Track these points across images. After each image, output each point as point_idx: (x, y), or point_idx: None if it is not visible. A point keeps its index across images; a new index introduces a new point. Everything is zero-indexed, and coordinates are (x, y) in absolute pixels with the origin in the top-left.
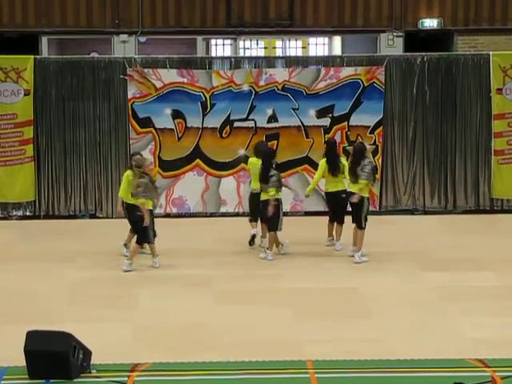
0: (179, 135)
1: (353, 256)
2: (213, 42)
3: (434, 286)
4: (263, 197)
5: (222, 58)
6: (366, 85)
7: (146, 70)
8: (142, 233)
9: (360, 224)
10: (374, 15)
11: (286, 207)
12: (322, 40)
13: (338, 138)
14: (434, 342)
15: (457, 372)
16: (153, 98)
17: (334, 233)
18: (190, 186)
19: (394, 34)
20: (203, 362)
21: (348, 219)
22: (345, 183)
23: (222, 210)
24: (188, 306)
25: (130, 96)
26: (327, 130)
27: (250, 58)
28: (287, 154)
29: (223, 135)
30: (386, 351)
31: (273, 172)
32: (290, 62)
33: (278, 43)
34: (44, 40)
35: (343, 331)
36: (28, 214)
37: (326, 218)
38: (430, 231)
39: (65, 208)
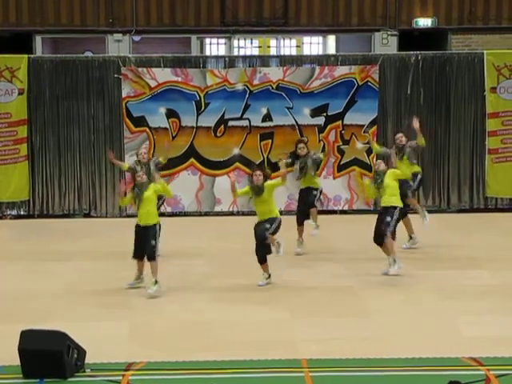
0: (173, 134)
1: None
2: (207, 40)
3: (429, 285)
4: None
5: (217, 57)
6: (360, 83)
7: (140, 69)
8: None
9: None
10: (368, 14)
11: (280, 206)
12: (317, 39)
13: (332, 137)
14: (429, 341)
15: (451, 370)
16: (147, 97)
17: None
18: (185, 185)
19: (389, 32)
20: (198, 360)
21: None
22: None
23: (217, 208)
24: (183, 305)
25: (124, 95)
26: (321, 128)
27: (245, 57)
28: (282, 153)
29: (217, 134)
30: (381, 350)
31: None
32: (285, 60)
33: (273, 42)
34: (38, 39)
35: (339, 330)
36: (22, 213)
37: (322, 217)
38: (424, 230)
39: (59, 207)
